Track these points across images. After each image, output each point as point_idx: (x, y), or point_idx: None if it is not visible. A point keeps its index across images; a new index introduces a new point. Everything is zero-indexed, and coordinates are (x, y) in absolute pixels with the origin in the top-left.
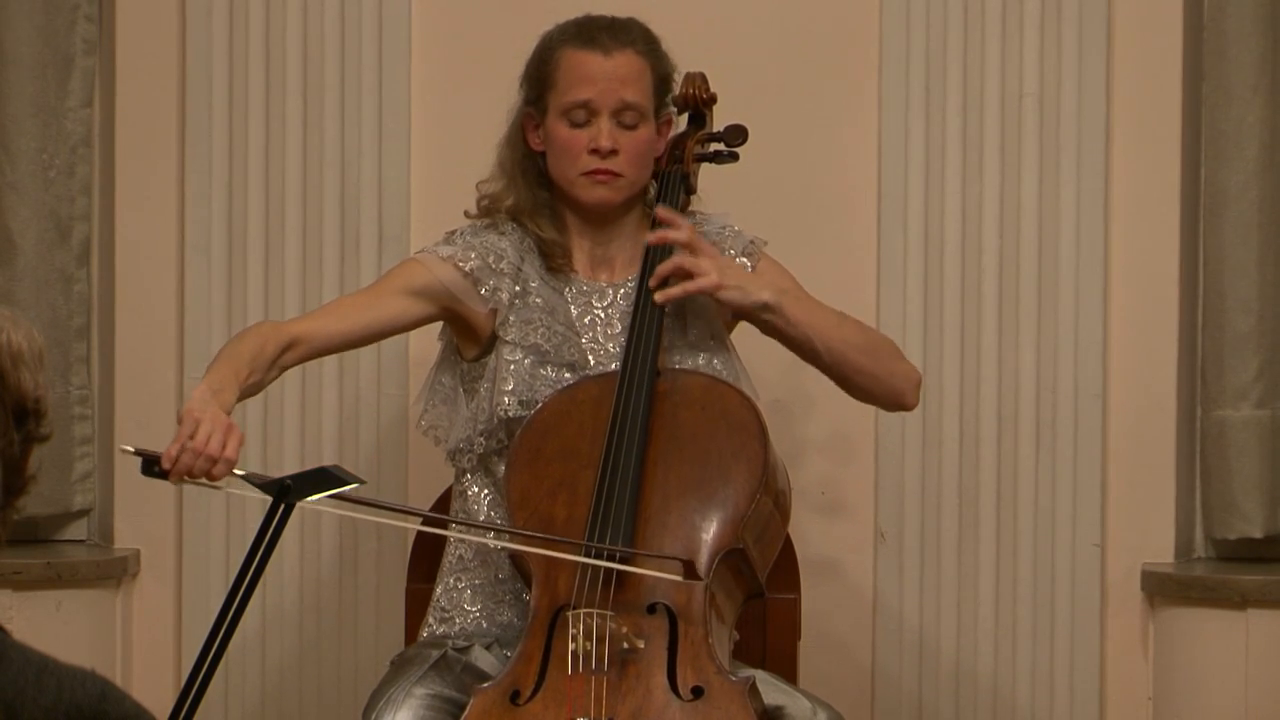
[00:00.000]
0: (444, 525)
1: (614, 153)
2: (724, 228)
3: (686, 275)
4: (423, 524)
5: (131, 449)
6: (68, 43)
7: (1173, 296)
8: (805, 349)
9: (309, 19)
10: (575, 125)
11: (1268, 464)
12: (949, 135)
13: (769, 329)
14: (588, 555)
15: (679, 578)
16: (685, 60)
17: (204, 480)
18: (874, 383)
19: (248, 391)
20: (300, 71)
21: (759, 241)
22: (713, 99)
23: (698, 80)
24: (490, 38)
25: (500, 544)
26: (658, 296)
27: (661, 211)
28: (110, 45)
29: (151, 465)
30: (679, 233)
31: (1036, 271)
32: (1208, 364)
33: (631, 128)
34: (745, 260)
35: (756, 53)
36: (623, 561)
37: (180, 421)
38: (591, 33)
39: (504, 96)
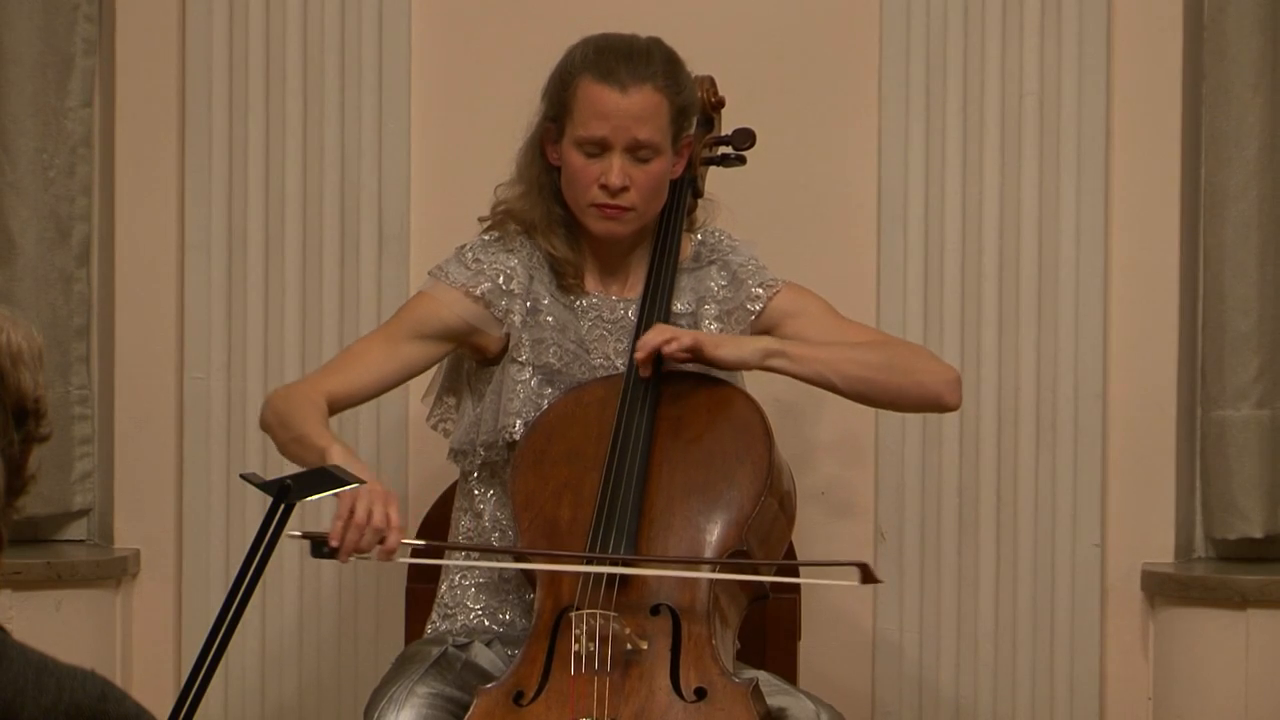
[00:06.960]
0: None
1: (624, 189)
2: (750, 259)
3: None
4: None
5: (299, 533)
6: (68, 43)
7: (1173, 296)
8: (823, 384)
9: (309, 19)
10: (589, 156)
11: (1268, 464)
12: (949, 135)
13: (786, 374)
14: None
15: (855, 583)
16: (687, 63)
17: (375, 554)
18: (902, 397)
19: None
20: (300, 71)
21: (779, 281)
22: (721, 102)
23: (706, 84)
24: (490, 38)
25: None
26: (644, 369)
27: (639, 356)
28: (110, 45)
29: (320, 547)
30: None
31: (1036, 271)
32: (1208, 364)
33: (645, 161)
34: (760, 290)
35: (756, 53)
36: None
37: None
38: (610, 64)
39: (503, 97)
